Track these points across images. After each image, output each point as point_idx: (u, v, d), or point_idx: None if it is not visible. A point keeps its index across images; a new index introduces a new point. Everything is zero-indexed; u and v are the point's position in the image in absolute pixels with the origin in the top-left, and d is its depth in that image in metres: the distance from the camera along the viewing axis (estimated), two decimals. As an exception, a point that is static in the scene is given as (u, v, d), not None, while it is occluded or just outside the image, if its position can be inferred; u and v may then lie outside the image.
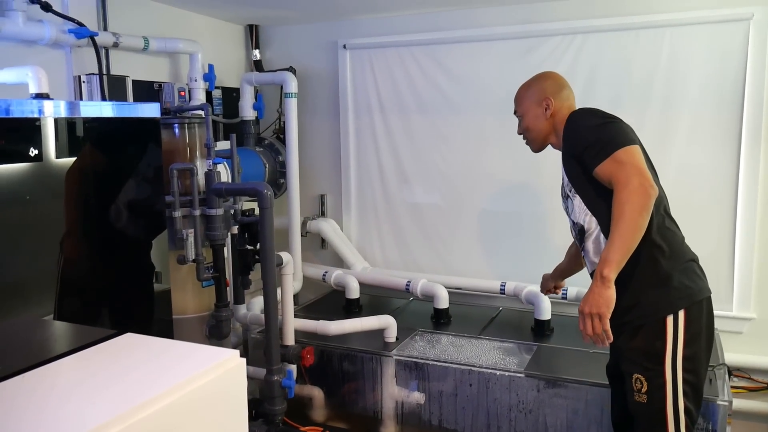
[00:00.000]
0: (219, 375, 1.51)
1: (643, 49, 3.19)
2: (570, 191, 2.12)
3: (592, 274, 2.12)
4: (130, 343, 1.65)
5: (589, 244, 2.09)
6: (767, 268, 3.12)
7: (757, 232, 3.10)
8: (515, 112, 2.33)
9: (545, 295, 2.83)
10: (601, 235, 2.03)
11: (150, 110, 1.95)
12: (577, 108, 2.20)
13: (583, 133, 2.03)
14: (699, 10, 3.07)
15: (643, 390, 1.96)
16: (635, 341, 1.96)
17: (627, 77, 3.22)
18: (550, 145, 2.31)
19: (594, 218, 2.04)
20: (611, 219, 1.86)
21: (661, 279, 1.94)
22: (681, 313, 1.93)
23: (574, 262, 2.59)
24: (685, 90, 3.14)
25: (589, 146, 1.97)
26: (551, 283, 2.70)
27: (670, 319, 1.93)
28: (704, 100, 3.11)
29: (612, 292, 1.84)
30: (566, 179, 2.14)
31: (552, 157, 3.37)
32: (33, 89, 1.84)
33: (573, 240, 2.53)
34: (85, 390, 1.40)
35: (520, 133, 2.34)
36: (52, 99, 1.81)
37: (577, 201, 2.09)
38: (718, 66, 3.07)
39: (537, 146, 2.31)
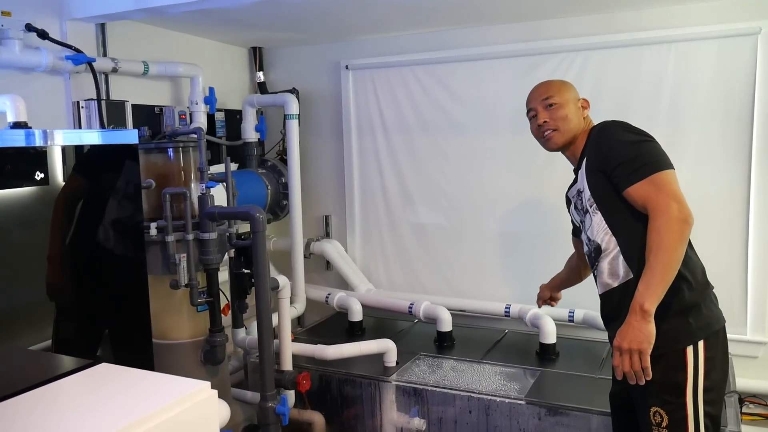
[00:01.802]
0: (189, 407, 1.47)
1: (647, 65, 3.12)
2: (590, 206, 1.99)
3: (602, 296, 2.04)
4: (104, 374, 1.62)
5: (605, 264, 1.98)
6: (782, 289, 3.00)
7: (771, 252, 2.99)
8: (546, 99, 2.11)
9: (540, 306, 2.68)
10: (621, 257, 1.93)
11: (129, 137, 1.93)
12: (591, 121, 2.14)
13: (619, 148, 1.90)
14: (705, 25, 3.00)
15: (664, 424, 1.86)
16: (653, 372, 1.83)
17: (632, 93, 3.15)
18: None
19: (614, 238, 1.94)
20: (648, 247, 1.78)
21: (683, 309, 1.86)
22: (701, 344, 1.85)
23: (573, 273, 2.51)
24: (692, 106, 3.06)
25: (625, 163, 1.86)
26: (547, 293, 2.59)
27: (690, 350, 1.84)
28: (712, 117, 3.03)
29: (653, 327, 1.76)
30: (588, 194, 2.00)
31: (556, 175, 3.32)
32: (10, 118, 1.84)
33: (574, 251, 2.50)
34: (54, 424, 1.37)
35: (544, 122, 2.10)
36: (30, 127, 1.80)
37: (597, 218, 1.97)
38: (725, 82, 2.99)
39: (562, 141, 2.11)
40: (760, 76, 2.93)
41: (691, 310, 1.86)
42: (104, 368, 1.64)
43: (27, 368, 1.70)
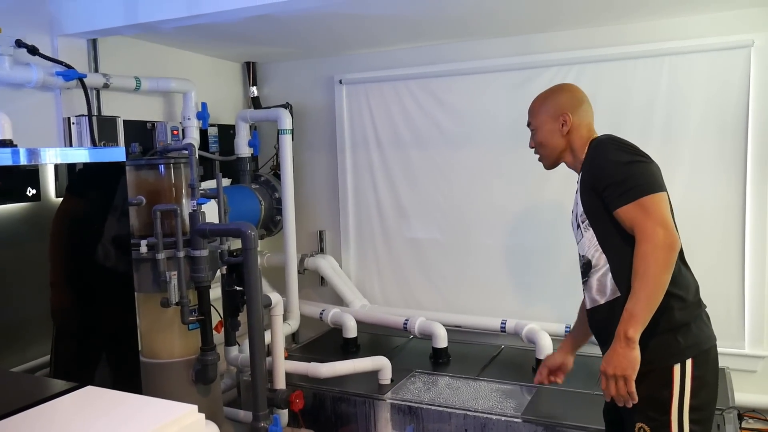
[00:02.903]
0: (176, 431, 1.44)
1: (641, 78, 3.12)
2: (582, 222, 1.98)
3: (590, 311, 2.03)
4: (90, 397, 1.59)
5: (594, 281, 1.97)
6: (780, 302, 2.98)
7: (768, 265, 2.97)
8: (528, 125, 2.15)
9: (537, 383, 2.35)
10: (609, 275, 1.91)
11: (117, 154, 1.91)
12: (595, 129, 2.07)
13: (610, 168, 1.87)
14: (698, 38, 2.99)
15: None
16: (640, 388, 1.82)
17: (626, 106, 3.14)
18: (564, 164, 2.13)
19: (604, 256, 1.92)
20: (633, 272, 1.76)
21: (672, 327, 1.84)
22: (689, 362, 1.83)
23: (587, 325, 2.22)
24: (686, 119, 3.05)
25: (615, 184, 1.83)
26: (545, 371, 2.26)
27: (677, 368, 1.83)
28: (706, 129, 3.02)
29: (637, 353, 1.75)
30: (580, 209, 1.98)
31: (552, 189, 3.31)
32: (-4, 135, 1.82)
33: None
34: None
35: (532, 147, 2.16)
36: (16, 145, 1.78)
37: (589, 235, 1.95)
38: (719, 94, 2.99)
39: (549, 163, 2.13)
40: (753, 88, 2.93)
41: (680, 328, 1.84)
42: (90, 391, 1.60)
43: (10, 391, 1.66)
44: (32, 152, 1.63)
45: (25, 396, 1.61)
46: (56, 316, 1.91)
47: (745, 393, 2.94)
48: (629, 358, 1.75)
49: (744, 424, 2.87)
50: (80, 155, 1.89)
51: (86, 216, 2.01)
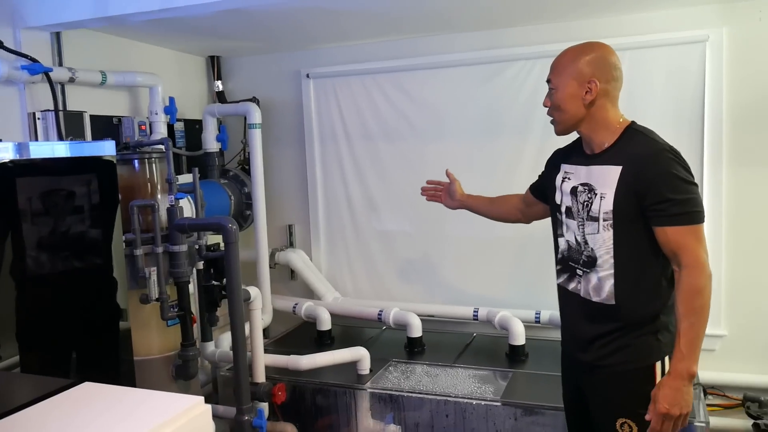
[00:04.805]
0: (183, 424, 1.43)
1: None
2: (604, 220, 1.84)
3: (575, 296, 1.98)
4: (89, 393, 1.56)
5: (594, 277, 1.90)
6: (735, 284, 3.15)
7: (723, 249, 3.13)
8: (548, 81, 1.95)
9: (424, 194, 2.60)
10: (611, 280, 1.86)
11: (105, 148, 1.88)
12: (621, 111, 1.94)
13: (672, 184, 1.75)
14: (656, 33, 3.12)
15: None
16: (625, 386, 1.88)
17: (589, 99, 3.25)
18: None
19: (612, 260, 1.85)
20: (687, 302, 1.74)
21: (655, 330, 1.87)
22: (666, 359, 1.87)
23: (494, 209, 2.50)
24: (646, 111, 3.16)
25: (673, 202, 1.73)
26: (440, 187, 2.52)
27: (658, 365, 1.87)
28: (665, 121, 3.15)
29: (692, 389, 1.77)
30: (607, 206, 1.83)
31: (520, 179, 3.38)
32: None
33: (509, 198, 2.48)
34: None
35: (546, 106, 1.96)
36: (1, 140, 1.73)
37: (607, 235, 1.84)
38: (676, 87, 3.13)
39: (561, 129, 1.95)
40: (708, 81, 3.07)
41: (661, 329, 1.88)
42: (89, 387, 1.58)
43: (6, 390, 1.62)
44: (21, 146, 1.59)
45: (21, 395, 1.58)
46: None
47: (705, 371, 3.09)
48: (691, 394, 1.75)
49: (707, 401, 3.03)
50: (65, 149, 1.85)
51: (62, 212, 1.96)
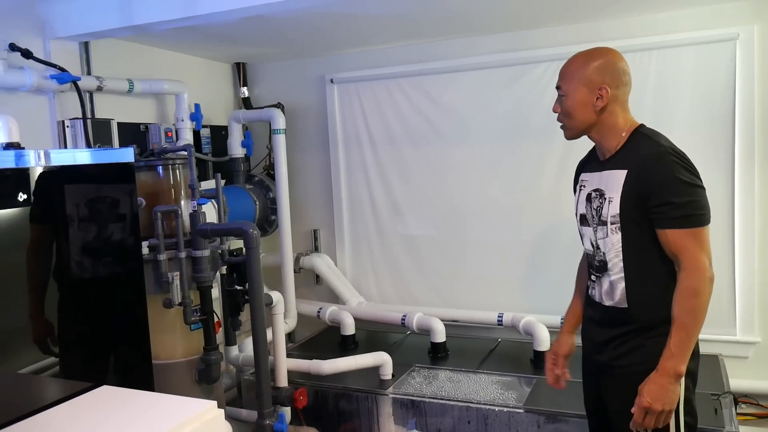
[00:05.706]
0: (196, 428, 1.45)
1: (630, 71, 3.16)
2: (612, 224, 1.84)
3: (589, 300, 2.02)
4: (106, 396, 1.59)
5: (606, 281, 1.90)
6: (769, 289, 3.05)
7: (757, 252, 3.04)
8: (558, 87, 1.94)
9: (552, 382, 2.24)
10: (622, 284, 1.86)
11: (124, 155, 1.91)
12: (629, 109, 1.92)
13: (674, 186, 1.74)
14: (685, 32, 3.05)
15: None
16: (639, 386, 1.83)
17: (616, 101, 3.19)
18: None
19: (622, 264, 1.85)
20: (681, 303, 1.74)
21: (668, 330, 1.80)
22: None
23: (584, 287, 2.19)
24: (675, 112, 3.11)
25: (674, 204, 1.73)
26: (560, 361, 2.19)
27: None
28: (695, 121, 3.08)
29: (679, 385, 1.76)
30: (614, 209, 1.83)
31: (545, 182, 3.36)
32: (3, 139, 1.81)
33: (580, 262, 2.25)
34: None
35: (556, 112, 1.96)
36: (24, 148, 1.78)
37: (615, 238, 1.84)
38: (706, 86, 3.05)
39: (571, 135, 1.96)
40: (739, 80, 2.99)
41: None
42: (106, 391, 1.61)
43: (25, 393, 1.66)
44: (39, 154, 1.63)
45: (40, 398, 1.61)
46: (44, 347, 1.88)
47: (737, 379, 3.00)
48: (676, 392, 1.75)
49: (738, 410, 2.94)
50: (86, 156, 1.88)
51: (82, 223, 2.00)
